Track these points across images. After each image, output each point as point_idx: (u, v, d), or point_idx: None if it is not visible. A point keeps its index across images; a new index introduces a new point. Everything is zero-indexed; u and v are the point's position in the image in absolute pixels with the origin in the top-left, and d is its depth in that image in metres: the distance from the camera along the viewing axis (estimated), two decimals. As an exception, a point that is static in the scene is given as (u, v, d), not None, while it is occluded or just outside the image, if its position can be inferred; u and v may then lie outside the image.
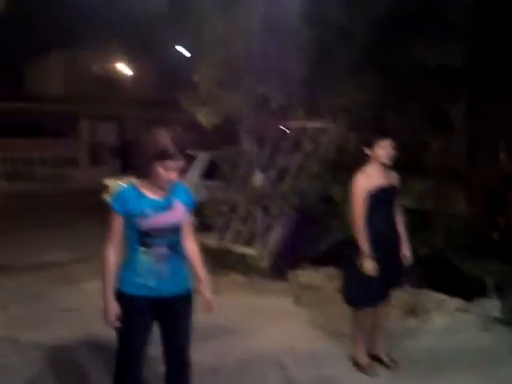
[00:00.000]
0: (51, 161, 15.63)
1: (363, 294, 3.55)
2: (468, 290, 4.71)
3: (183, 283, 2.61)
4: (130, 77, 19.70)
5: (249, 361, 3.82)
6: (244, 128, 6.81)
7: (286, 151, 6.60)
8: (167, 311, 2.57)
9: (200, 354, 3.76)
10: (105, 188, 10.45)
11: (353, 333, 3.77)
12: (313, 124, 6.50)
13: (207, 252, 6.60)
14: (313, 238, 5.88)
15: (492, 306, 4.51)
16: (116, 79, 19.27)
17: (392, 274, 3.59)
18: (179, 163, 2.46)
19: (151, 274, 2.47)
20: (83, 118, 16.35)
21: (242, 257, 6.65)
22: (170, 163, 2.42)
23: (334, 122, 6.35)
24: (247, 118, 6.52)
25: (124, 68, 19.97)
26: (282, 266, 6.21)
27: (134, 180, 2.50)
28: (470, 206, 6.64)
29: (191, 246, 2.69)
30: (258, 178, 6.60)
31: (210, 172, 8.77)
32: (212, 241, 7.01)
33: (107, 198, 10.20)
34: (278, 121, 6.67)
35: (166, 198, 2.52)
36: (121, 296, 2.51)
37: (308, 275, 5.66)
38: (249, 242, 6.72)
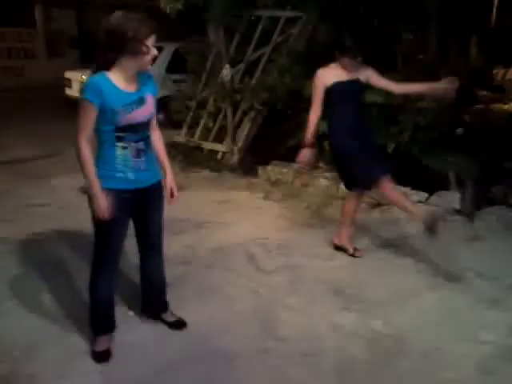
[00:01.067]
0: (5, 52, 14.68)
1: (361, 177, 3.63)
2: (432, 184, 4.89)
3: (157, 174, 2.64)
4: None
5: (219, 251, 3.98)
6: (211, 17, 6.45)
7: (255, 43, 6.34)
8: (143, 203, 2.60)
9: (173, 246, 3.90)
10: (66, 81, 10.00)
11: (341, 221, 3.95)
12: (282, 13, 6.20)
13: (176, 148, 6.60)
14: (282, 134, 5.88)
15: (452, 198, 4.73)
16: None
17: (372, 161, 3.64)
18: (153, 52, 2.37)
19: (129, 168, 2.45)
20: (38, 4, 15.15)
21: (212, 153, 6.66)
22: (145, 51, 2.32)
23: (304, 12, 6.07)
24: (214, 6, 6.14)
25: None
26: (252, 161, 6.27)
27: (105, 72, 2.34)
28: (437, 101, 6.69)
29: (157, 139, 2.68)
30: (227, 72, 6.40)
31: (176, 65, 8.45)
32: (181, 137, 6.95)
33: (70, 92, 9.81)
34: (247, 10, 6.32)
35: (138, 91, 2.43)
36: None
37: (277, 171, 5.75)
38: (218, 138, 6.68)
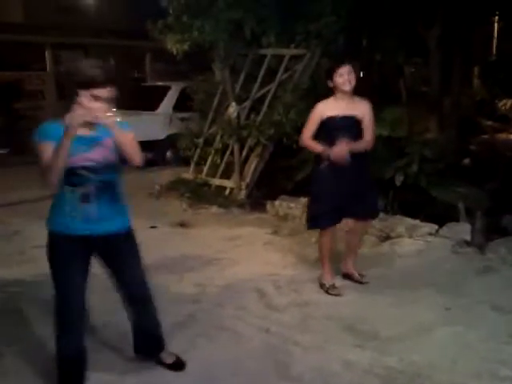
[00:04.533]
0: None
1: (318, 215, 3.73)
2: (442, 215, 4.87)
3: (116, 223, 2.50)
4: (95, 2, 18.64)
5: (229, 288, 3.95)
6: (217, 57, 6.60)
7: (260, 80, 6.46)
8: (104, 250, 2.52)
9: (181, 284, 3.88)
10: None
11: (319, 256, 3.97)
12: (287, 51, 6.34)
13: (184, 185, 6.65)
14: (289, 169, 5.92)
15: (462, 229, 4.69)
16: (79, 5, 18.23)
17: (348, 198, 3.67)
18: (106, 91, 2.27)
19: (77, 213, 2.37)
20: (47, 48, 15.57)
21: (220, 189, 6.69)
22: (95, 91, 2.24)
23: (307, 49, 6.21)
24: (220, 47, 6.29)
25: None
26: (260, 197, 6.29)
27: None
28: (442, 132, 6.74)
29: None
30: (233, 109, 6.50)
31: (184, 103, 8.61)
32: (189, 174, 7.02)
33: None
34: (252, 49, 6.46)
35: (92, 134, 2.35)
36: (51, 236, 2.47)
37: (286, 206, 5.75)
38: (226, 175, 6.73)
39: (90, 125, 2.31)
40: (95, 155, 2.35)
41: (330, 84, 3.57)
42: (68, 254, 2.41)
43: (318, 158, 3.67)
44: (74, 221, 2.38)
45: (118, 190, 2.51)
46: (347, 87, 3.50)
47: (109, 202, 2.45)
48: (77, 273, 2.47)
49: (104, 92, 2.26)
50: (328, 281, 3.88)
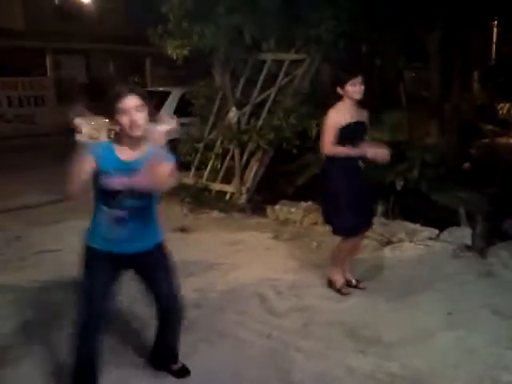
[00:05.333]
0: (17, 100, 15.05)
1: (354, 222, 3.72)
2: (443, 220, 4.87)
3: (148, 242, 2.57)
4: (96, 8, 18.69)
5: (230, 293, 3.94)
6: (217, 62, 6.62)
7: (260, 85, 6.47)
8: (135, 265, 2.60)
9: (183, 289, 3.84)
10: (76, 128, 10.19)
11: (334, 257, 3.96)
12: (287, 56, 6.35)
13: (185, 190, 6.65)
14: (290, 174, 5.92)
15: (463, 233, 4.69)
16: (80, 11, 18.29)
17: (368, 204, 3.86)
18: (132, 102, 2.31)
19: (110, 234, 2.45)
20: (48, 53, 15.61)
21: (220, 194, 6.69)
22: (123, 104, 2.29)
23: (307, 54, 6.23)
24: (220, 52, 6.30)
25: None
26: (260, 201, 6.28)
27: (113, 137, 2.40)
28: (443, 137, 6.75)
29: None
30: (233, 114, 6.51)
31: (184, 108, 8.62)
32: (189, 179, 7.01)
33: (80, 138, 9.98)
34: (252, 54, 6.48)
35: (134, 160, 2.38)
36: (86, 249, 2.53)
37: (286, 210, 5.75)
38: (226, 179, 6.73)
39: (135, 148, 2.39)
40: (128, 182, 2.39)
41: (341, 92, 3.64)
42: (98, 267, 2.49)
43: (335, 164, 3.67)
44: (108, 240, 2.47)
45: (152, 211, 2.56)
46: (359, 96, 3.63)
47: (141, 224, 2.51)
48: (104, 284, 2.53)
49: (132, 101, 2.31)
50: (340, 280, 3.91)
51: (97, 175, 2.35)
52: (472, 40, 7.99)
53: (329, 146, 3.62)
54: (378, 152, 3.56)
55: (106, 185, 2.35)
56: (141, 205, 2.46)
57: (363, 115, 3.75)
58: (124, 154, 2.39)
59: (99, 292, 2.52)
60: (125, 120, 2.31)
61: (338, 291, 3.88)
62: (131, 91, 2.34)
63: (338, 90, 3.66)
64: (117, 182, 2.34)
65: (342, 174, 3.66)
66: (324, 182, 3.82)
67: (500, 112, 9.10)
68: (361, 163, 3.70)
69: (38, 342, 3.24)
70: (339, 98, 3.67)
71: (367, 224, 3.90)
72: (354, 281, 3.99)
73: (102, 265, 2.49)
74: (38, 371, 2.92)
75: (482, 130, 7.66)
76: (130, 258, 2.53)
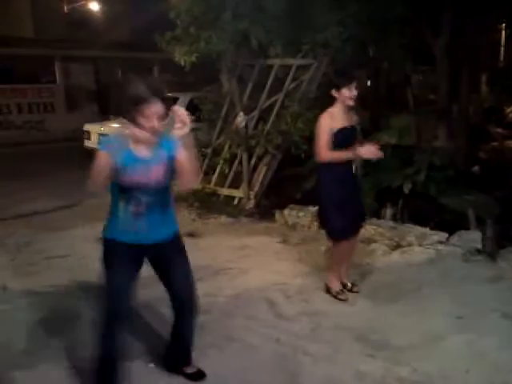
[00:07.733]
0: (27, 107, 15.21)
1: (344, 226, 3.74)
2: (452, 223, 4.85)
3: (165, 231, 2.62)
4: (104, 16, 18.88)
5: (239, 298, 3.94)
6: (224, 67, 6.65)
7: (267, 90, 6.49)
8: (152, 255, 2.64)
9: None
10: (84, 133, 10.26)
11: (330, 262, 3.99)
12: (294, 61, 6.37)
13: (193, 195, 6.67)
14: (298, 178, 5.92)
15: (473, 237, 4.66)
16: (88, 19, 18.47)
17: (358, 208, 3.87)
18: (156, 108, 2.34)
19: (128, 226, 2.50)
20: (57, 61, 15.76)
21: (229, 199, 6.70)
22: (146, 109, 2.32)
23: (314, 59, 6.24)
24: (227, 57, 6.33)
25: (96, 7, 19.10)
26: (268, 206, 6.29)
27: (126, 131, 2.42)
28: (451, 140, 6.73)
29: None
30: (241, 119, 6.53)
31: (192, 114, 8.66)
32: (197, 184, 7.02)
33: (89, 144, 10.04)
34: (259, 59, 6.50)
35: (150, 156, 2.45)
36: (105, 242, 2.58)
37: (294, 215, 5.75)
38: (234, 184, 6.74)
39: (150, 144, 2.43)
40: (149, 178, 2.45)
41: (335, 94, 3.62)
42: (119, 260, 2.54)
43: (326, 169, 3.67)
44: (126, 232, 2.51)
45: (168, 203, 2.61)
46: (352, 102, 3.63)
47: (158, 215, 2.55)
48: (126, 276, 2.58)
49: (154, 109, 2.33)
50: (336, 286, 3.90)
51: (114, 171, 2.40)
52: (480, 43, 7.97)
53: (324, 151, 3.59)
54: (370, 149, 3.52)
55: (125, 180, 2.41)
56: (157, 199, 2.51)
57: (354, 119, 3.74)
58: (140, 150, 2.44)
59: (122, 290, 2.56)
60: (144, 122, 2.35)
61: (335, 297, 3.87)
62: (155, 94, 2.34)
63: (333, 92, 3.63)
64: None
65: (335, 178, 3.66)
66: (317, 186, 3.84)
67: (510, 114, 9.05)
68: (354, 168, 3.68)
69: (54, 345, 3.26)
70: (331, 102, 3.66)
71: (357, 227, 3.89)
72: (349, 284, 3.99)
73: (123, 260, 2.53)
74: (55, 373, 2.95)
75: (490, 132, 7.62)
76: (148, 248, 2.57)
